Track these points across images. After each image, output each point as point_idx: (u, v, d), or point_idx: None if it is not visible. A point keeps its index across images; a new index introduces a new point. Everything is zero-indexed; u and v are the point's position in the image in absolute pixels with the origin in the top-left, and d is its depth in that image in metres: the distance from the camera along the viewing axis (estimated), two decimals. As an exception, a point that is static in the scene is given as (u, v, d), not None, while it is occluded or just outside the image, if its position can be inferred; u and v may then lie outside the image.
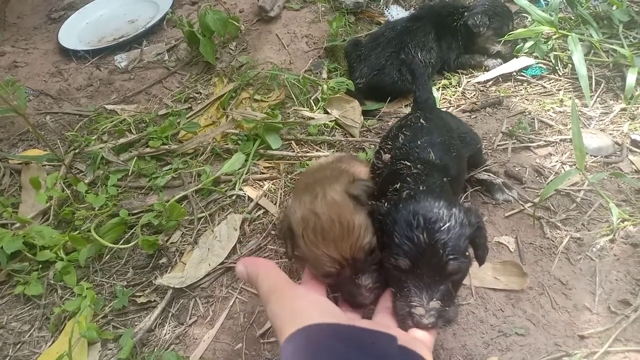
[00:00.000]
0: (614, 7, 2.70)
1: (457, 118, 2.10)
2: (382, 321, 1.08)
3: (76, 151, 2.52)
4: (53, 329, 1.88)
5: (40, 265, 2.06)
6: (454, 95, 2.70)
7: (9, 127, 2.82)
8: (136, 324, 1.85)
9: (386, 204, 1.24)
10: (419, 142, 1.60)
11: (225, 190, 2.26)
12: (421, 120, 1.76)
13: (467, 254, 1.16)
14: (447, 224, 1.11)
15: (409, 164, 1.47)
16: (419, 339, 1.03)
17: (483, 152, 2.17)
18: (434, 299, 1.09)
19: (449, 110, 2.55)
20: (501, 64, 2.79)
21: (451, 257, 1.10)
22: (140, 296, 1.93)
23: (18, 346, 1.87)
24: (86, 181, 2.30)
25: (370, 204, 1.30)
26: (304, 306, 0.88)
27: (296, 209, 1.29)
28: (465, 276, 1.22)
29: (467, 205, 1.26)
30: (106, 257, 2.09)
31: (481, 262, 1.28)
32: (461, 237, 1.13)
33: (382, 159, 1.65)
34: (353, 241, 1.16)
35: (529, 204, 2.01)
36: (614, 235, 1.85)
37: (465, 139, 1.92)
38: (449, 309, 1.11)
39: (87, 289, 1.91)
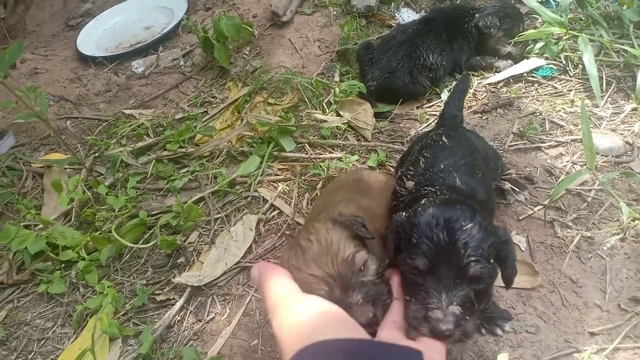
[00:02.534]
0: (625, 7, 2.71)
1: (482, 139, 2.03)
2: (389, 336, 0.96)
3: (96, 155, 2.60)
4: (75, 325, 1.95)
5: (63, 265, 2.13)
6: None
7: (30, 131, 2.90)
8: (156, 321, 1.91)
9: (404, 214, 1.19)
10: (441, 166, 1.52)
11: (241, 192, 2.31)
12: (443, 138, 1.68)
13: (492, 261, 1.07)
14: (469, 225, 1.05)
15: (434, 189, 1.40)
16: (430, 347, 0.94)
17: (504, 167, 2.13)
18: (454, 303, 0.99)
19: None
20: (512, 65, 2.82)
21: (473, 258, 1.01)
22: (159, 294, 1.99)
23: (42, 342, 1.95)
24: (106, 184, 2.36)
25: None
26: (312, 319, 0.76)
27: (286, 251, 1.29)
28: (490, 288, 1.12)
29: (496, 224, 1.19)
30: (126, 257, 2.16)
31: (509, 283, 1.20)
32: (484, 241, 1.05)
33: (405, 186, 1.56)
34: (333, 255, 1.12)
35: (539, 207, 2.04)
36: (624, 234, 1.87)
37: (489, 163, 1.85)
38: (469, 318, 1.00)
39: (108, 287, 1.98)
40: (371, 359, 0.68)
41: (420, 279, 1.04)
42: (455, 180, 1.46)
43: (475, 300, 1.05)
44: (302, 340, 0.71)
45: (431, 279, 1.02)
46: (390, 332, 0.96)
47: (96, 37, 3.66)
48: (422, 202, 1.20)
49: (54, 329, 1.98)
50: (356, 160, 2.36)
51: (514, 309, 1.72)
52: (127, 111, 2.93)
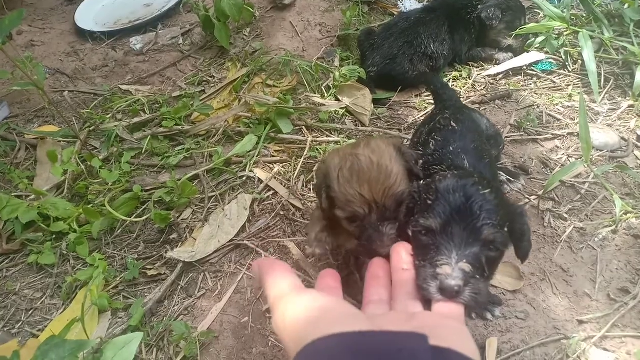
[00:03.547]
0: (626, 6, 2.72)
1: (485, 117, 2.05)
2: (406, 308, 0.91)
3: (91, 128, 2.57)
4: (65, 297, 1.94)
5: (54, 236, 2.11)
6: (464, 87, 2.73)
7: (25, 103, 2.86)
8: (146, 295, 1.90)
9: (422, 182, 1.21)
10: (451, 148, 1.56)
11: (236, 171, 2.30)
12: (452, 123, 1.71)
13: (505, 230, 1.07)
14: (487, 191, 1.06)
15: (442, 169, 1.43)
16: (448, 314, 0.88)
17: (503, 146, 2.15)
18: (464, 261, 0.97)
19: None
20: (512, 57, 2.83)
21: (488, 222, 1.01)
22: (150, 269, 1.98)
23: (30, 312, 1.93)
24: (100, 157, 2.34)
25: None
26: (313, 314, 0.72)
27: (334, 156, 1.31)
28: (501, 259, 1.11)
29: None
30: (118, 231, 2.14)
31: (525, 257, 1.21)
32: (499, 208, 1.05)
33: None
34: (388, 186, 1.16)
35: (533, 197, 2.05)
36: (616, 227, 1.89)
37: (490, 141, 1.88)
38: (479, 278, 0.97)
39: (99, 260, 1.97)
40: (376, 350, 0.64)
41: (431, 239, 1.03)
42: (463, 162, 1.49)
43: (486, 266, 1.03)
44: (305, 336, 0.67)
45: (443, 237, 1.01)
46: (404, 303, 0.91)
47: (95, 12, 3.60)
48: (440, 173, 1.21)
49: (42, 299, 1.97)
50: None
51: (504, 294, 1.73)
52: (124, 87, 2.90)
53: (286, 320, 0.73)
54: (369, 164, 1.18)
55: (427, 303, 0.90)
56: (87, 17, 3.50)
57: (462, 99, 2.62)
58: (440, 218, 1.02)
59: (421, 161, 1.53)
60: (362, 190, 1.16)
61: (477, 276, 0.96)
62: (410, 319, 0.80)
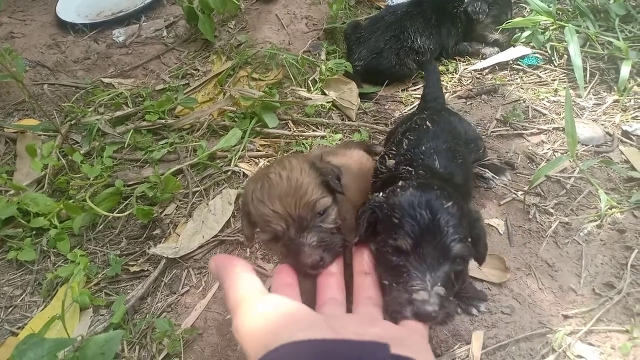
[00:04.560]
0: (611, 1, 2.73)
1: (465, 121, 2.04)
2: (366, 312, 0.92)
3: (72, 122, 2.52)
4: (45, 294, 1.90)
5: (34, 232, 2.07)
6: (450, 81, 2.72)
7: (4, 96, 2.80)
8: (129, 292, 1.87)
9: (381, 194, 1.18)
10: (423, 148, 1.54)
11: (221, 166, 2.27)
12: (427, 122, 1.70)
13: (469, 240, 1.07)
14: (449, 203, 1.04)
15: (411, 169, 1.43)
16: (413, 329, 0.90)
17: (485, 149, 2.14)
18: (438, 284, 0.96)
19: (445, 97, 2.58)
20: (498, 52, 2.82)
21: (455, 237, 1.00)
22: (133, 265, 1.95)
23: (10, 310, 1.89)
24: (82, 152, 2.30)
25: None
26: (276, 320, 0.71)
27: (250, 181, 1.29)
28: (467, 268, 1.11)
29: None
30: (100, 227, 2.10)
31: (482, 260, 1.20)
32: (462, 220, 1.05)
33: (385, 164, 1.58)
34: (298, 197, 1.14)
35: (519, 192, 2.05)
36: (601, 221, 1.89)
37: (469, 144, 1.88)
38: (451, 299, 0.98)
39: (80, 256, 1.93)
40: (339, 357, 0.65)
41: (402, 260, 1.00)
42: (434, 162, 1.48)
43: (454, 281, 1.03)
44: (266, 343, 0.67)
45: (414, 258, 0.99)
46: (366, 308, 0.92)
47: (77, 3, 3.54)
48: (399, 183, 1.19)
49: (22, 296, 1.93)
50: (340, 140, 2.34)
51: (489, 290, 1.73)
52: (106, 80, 2.85)
53: (247, 325, 0.72)
54: (278, 179, 1.16)
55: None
56: (68, 9, 3.44)
57: (448, 94, 2.61)
58: (410, 237, 1.00)
59: (393, 161, 1.51)
60: (274, 206, 1.13)
61: (451, 297, 0.97)
62: (372, 324, 0.81)
